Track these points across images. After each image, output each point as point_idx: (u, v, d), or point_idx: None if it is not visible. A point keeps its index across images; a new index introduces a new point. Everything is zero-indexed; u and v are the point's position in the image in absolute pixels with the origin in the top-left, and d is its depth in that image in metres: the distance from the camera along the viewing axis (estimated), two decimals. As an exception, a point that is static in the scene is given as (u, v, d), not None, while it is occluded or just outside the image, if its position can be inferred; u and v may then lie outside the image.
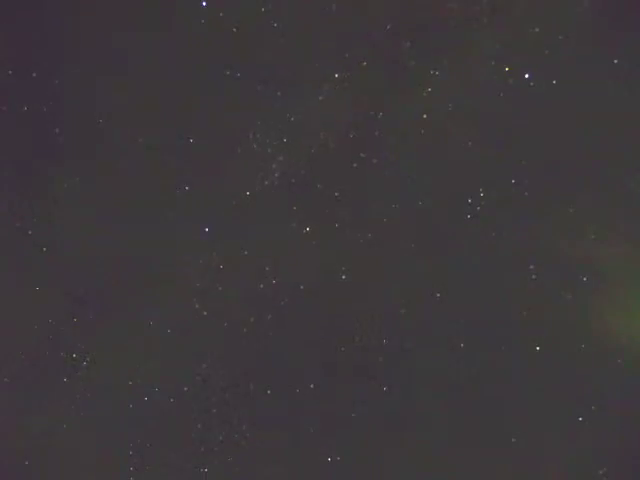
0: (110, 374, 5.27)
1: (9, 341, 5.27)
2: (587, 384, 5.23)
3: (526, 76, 5.29)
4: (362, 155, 5.33)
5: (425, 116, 5.33)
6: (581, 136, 5.28)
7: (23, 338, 5.28)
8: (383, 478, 5.18)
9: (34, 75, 5.32)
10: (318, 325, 5.29)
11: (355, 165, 5.33)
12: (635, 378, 5.21)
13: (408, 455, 5.22)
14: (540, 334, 5.27)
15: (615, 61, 5.24)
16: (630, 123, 5.26)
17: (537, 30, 5.27)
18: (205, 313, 5.31)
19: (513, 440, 5.24)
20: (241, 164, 5.34)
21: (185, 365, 5.29)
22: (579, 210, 5.28)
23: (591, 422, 5.21)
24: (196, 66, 5.33)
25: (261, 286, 5.31)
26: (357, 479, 5.22)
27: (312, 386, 5.26)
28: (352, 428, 5.24)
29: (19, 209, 5.32)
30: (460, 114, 5.32)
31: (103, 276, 5.33)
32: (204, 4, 5.30)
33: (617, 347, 5.23)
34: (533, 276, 5.28)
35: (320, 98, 5.33)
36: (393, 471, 5.20)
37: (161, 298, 5.31)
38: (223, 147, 5.33)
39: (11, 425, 5.21)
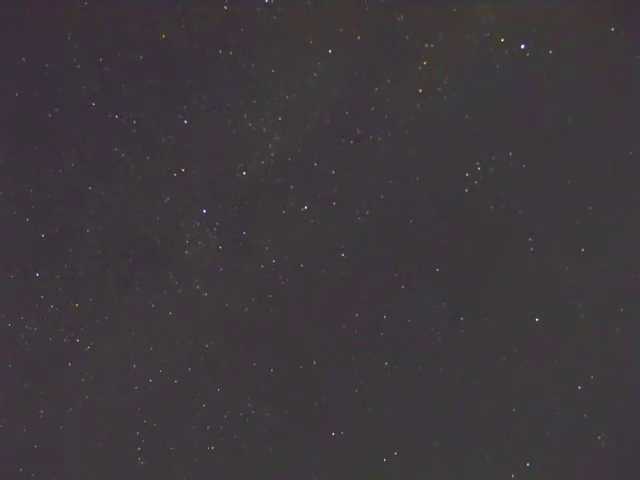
0: (114, 357, 5.31)
1: (12, 327, 5.29)
2: (586, 353, 5.30)
3: (522, 47, 5.24)
4: (358, 131, 5.30)
5: (421, 90, 5.29)
6: (579, 106, 5.25)
7: (25, 324, 5.30)
8: (387, 452, 5.28)
9: (24, 60, 5.27)
10: (318, 303, 5.33)
11: (351, 142, 5.31)
12: (633, 347, 5.28)
13: (411, 428, 5.31)
14: (539, 305, 5.31)
15: (612, 29, 5.18)
16: (629, 92, 5.22)
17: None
18: (206, 294, 5.34)
19: (513, 410, 5.33)
20: (237, 144, 5.31)
21: (188, 346, 5.33)
22: (578, 181, 5.29)
23: (590, 390, 5.29)
24: (188, 46, 5.26)
25: (261, 266, 5.33)
26: (361, 453, 5.31)
27: (314, 362, 5.32)
28: (354, 402, 5.32)
29: (16, 195, 5.30)
30: (456, 87, 5.28)
31: (102, 259, 5.34)
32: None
33: (616, 316, 5.28)
34: (531, 248, 5.31)
35: (315, 75, 5.28)
36: (396, 445, 5.29)
37: (162, 280, 5.34)
38: (218, 128, 5.30)
39: (17, 410, 5.26)
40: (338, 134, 5.30)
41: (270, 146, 5.30)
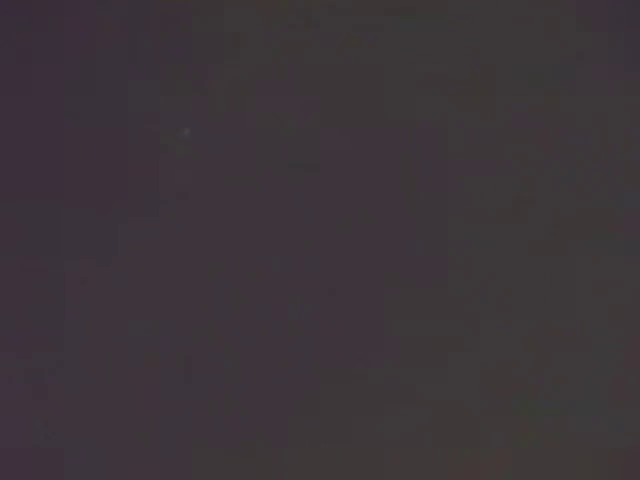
0: (123, 294, 5.23)
1: (12, 278, 5.23)
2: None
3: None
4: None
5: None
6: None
7: (24, 275, 5.24)
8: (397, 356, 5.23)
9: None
10: (311, 188, 5.28)
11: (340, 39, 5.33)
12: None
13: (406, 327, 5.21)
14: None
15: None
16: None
17: None
18: (202, 187, 5.27)
19: (511, 292, 5.31)
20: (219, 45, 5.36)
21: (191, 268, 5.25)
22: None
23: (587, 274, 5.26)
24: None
25: (250, 157, 5.30)
26: (372, 354, 5.22)
27: (314, 260, 5.24)
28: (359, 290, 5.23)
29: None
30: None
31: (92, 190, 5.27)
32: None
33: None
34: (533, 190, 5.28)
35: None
36: (407, 351, 5.22)
37: (153, 195, 5.27)
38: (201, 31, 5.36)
39: (28, 356, 5.19)
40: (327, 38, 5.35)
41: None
